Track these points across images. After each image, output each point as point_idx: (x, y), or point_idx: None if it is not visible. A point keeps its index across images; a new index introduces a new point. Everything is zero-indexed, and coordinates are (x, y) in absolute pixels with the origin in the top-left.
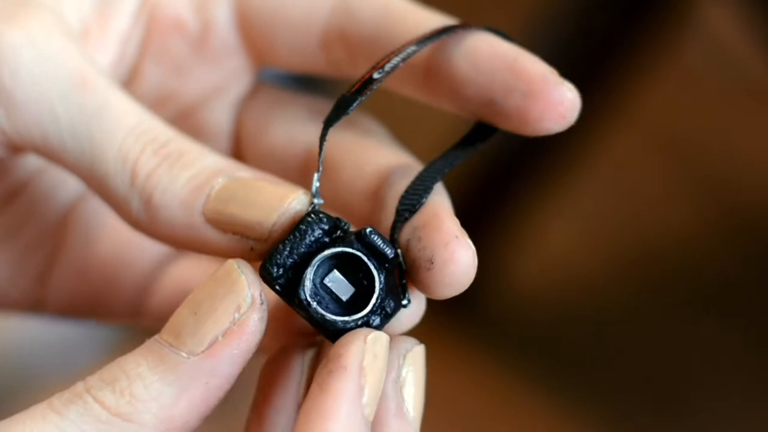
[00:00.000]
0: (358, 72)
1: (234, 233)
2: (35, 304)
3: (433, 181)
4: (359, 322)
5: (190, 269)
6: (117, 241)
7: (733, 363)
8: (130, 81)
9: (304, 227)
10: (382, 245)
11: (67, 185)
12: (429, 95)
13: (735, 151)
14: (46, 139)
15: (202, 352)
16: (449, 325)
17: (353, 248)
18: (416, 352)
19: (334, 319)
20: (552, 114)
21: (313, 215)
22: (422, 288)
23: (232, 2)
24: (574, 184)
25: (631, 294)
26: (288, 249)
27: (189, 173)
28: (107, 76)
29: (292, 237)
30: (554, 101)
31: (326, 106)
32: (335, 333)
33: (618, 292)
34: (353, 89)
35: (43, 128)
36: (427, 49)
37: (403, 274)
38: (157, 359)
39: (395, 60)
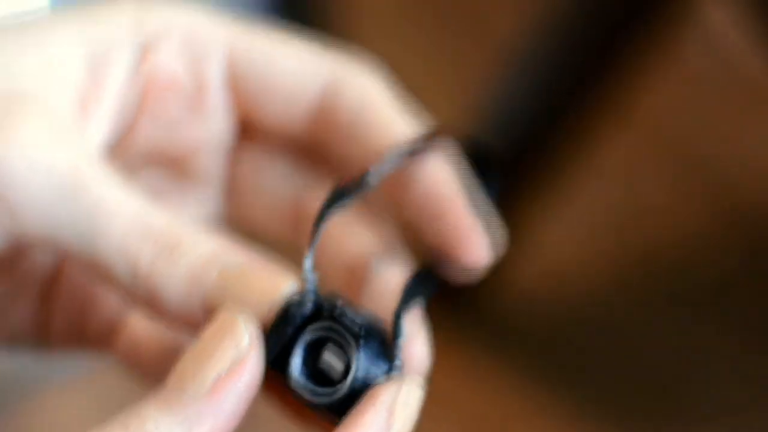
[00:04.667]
0: (331, 155)
1: None
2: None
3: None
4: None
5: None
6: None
7: (734, 365)
8: (126, 135)
9: (283, 317)
10: (352, 324)
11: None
12: None
13: (735, 151)
14: (52, 239)
15: (207, 392)
16: (449, 326)
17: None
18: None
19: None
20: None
21: (292, 306)
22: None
23: (224, 63)
24: (574, 184)
25: (632, 295)
26: (273, 342)
27: (185, 261)
28: (100, 168)
29: (274, 330)
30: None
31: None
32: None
33: (619, 292)
34: (348, 181)
35: (47, 231)
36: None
37: (396, 344)
38: (164, 403)
39: (386, 166)
